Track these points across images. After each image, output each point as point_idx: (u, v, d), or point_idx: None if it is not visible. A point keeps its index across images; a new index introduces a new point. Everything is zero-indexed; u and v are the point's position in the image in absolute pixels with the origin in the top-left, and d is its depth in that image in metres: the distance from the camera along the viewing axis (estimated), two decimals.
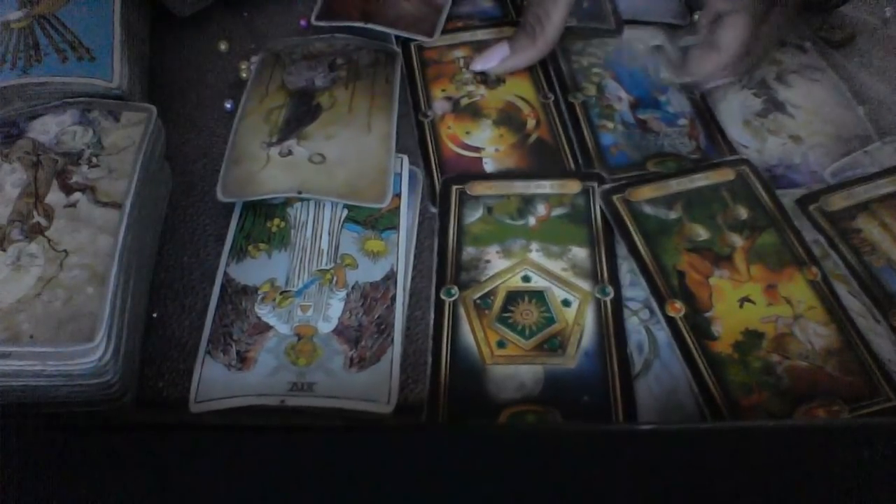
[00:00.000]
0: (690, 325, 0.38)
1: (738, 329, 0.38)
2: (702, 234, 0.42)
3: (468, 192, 0.45)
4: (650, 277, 0.40)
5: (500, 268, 0.41)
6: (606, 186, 0.44)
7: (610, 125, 0.48)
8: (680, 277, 0.40)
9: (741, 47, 0.46)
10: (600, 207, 0.43)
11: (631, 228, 0.42)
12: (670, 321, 0.38)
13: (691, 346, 0.37)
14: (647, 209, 0.43)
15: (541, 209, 0.44)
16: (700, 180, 0.44)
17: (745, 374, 0.36)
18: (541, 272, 0.41)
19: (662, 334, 0.38)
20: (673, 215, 0.42)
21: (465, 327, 0.39)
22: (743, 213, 0.42)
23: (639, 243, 0.41)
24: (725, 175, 0.44)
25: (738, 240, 0.41)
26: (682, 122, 0.49)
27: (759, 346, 0.37)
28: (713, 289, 0.39)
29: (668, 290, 0.39)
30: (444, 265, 0.41)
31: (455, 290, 0.40)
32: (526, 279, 0.41)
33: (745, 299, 0.39)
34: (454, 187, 0.45)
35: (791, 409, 0.35)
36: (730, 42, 0.46)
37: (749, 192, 0.43)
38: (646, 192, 0.44)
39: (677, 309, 0.38)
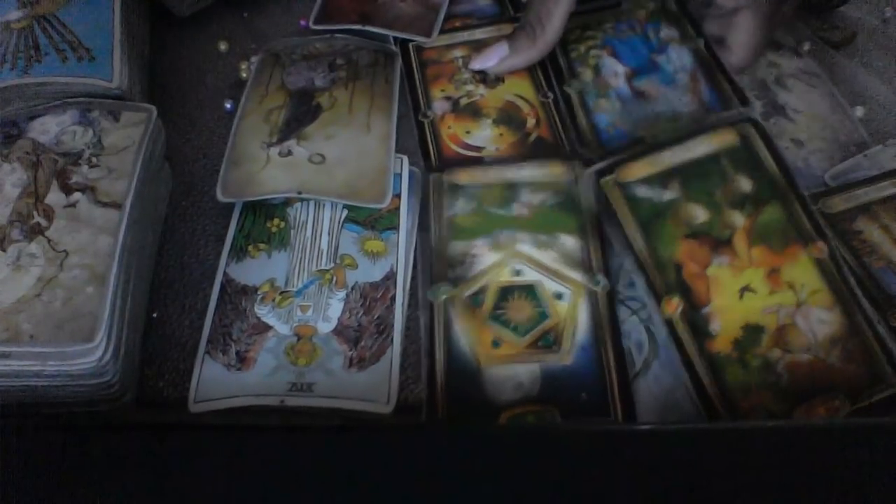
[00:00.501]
0: (688, 323, 0.37)
1: (738, 324, 0.37)
2: (700, 215, 0.40)
3: (452, 180, 0.44)
4: (646, 273, 0.39)
5: (489, 262, 0.40)
6: (595, 168, 0.42)
7: (605, 104, 0.48)
8: (677, 270, 0.39)
9: (752, 49, 0.47)
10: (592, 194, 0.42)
11: (624, 219, 0.40)
12: (667, 320, 0.38)
13: (689, 347, 0.37)
14: (641, 191, 0.41)
15: (527, 196, 0.43)
16: (699, 147, 0.42)
17: (745, 374, 0.36)
18: (531, 264, 0.40)
19: (662, 333, 0.38)
20: (668, 195, 0.41)
21: (458, 327, 0.39)
22: (745, 184, 0.40)
23: (633, 236, 0.40)
24: (727, 139, 0.42)
25: (739, 219, 0.40)
26: (682, 77, 0.48)
27: (759, 341, 0.37)
28: (711, 280, 0.38)
29: (665, 285, 0.38)
30: (431, 262, 0.41)
31: (444, 287, 0.40)
32: (517, 272, 0.40)
33: (746, 288, 0.38)
34: (439, 176, 0.44)
35: (791, 407, 0.35)
36: (741, 43, 0.47)
37: (753, 159, 0.41)
38: (638, 169, 0.41)
39: (674, 306, 0.38)
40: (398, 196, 0.44)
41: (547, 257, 0.40)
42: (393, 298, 0.40)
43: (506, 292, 0.39)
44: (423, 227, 0.43)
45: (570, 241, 0.41)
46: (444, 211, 0.43)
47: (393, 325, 0.39)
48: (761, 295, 0.38)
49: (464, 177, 0.44)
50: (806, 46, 0.54)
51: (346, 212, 0.44)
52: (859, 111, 0.49)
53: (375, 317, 0.39)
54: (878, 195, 0.43)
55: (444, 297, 0.39)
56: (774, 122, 0.48)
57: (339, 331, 0.39)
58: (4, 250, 0.38)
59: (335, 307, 0.40)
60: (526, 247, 0.41)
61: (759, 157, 0.42)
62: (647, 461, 0.31)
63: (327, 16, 0.55)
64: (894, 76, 0.53)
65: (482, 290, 0.40)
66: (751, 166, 0.41)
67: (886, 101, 0.51)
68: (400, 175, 0.45)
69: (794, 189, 0.41)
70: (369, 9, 0.55)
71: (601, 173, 0.42)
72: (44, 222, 0.39)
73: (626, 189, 0.41)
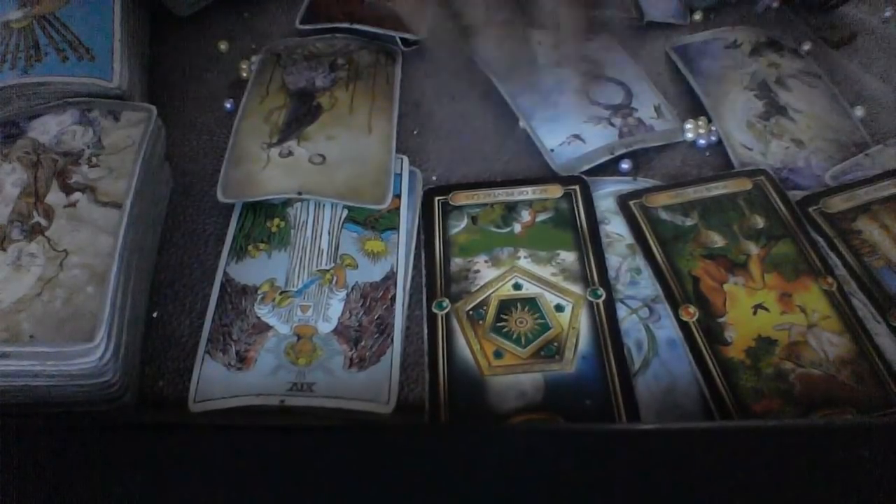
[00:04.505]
0: (703, 329, 0.38)
1: (751, 335, 0.38)
2: (717, 241, 0.42)
3: (451, 202, 0.45)
4: (664, 281, 0.40)
5: (490, 277, 0.41)
6: (623, 192, 0.44)
7: None
8: (694, 282, 0.40)
9: None
10: (584, 211, 0.43)
11: (646, 232, 0.42)
12: (683, 325, 0.38)
13: (703, 350, 0.37)
14: (664, 215, 0.43)
15: (525, 216, 0.44)
16: (717, 189, 0.45)
17: (757, 380, 0.36)
18: (531, 279, 0.41)
19: (661, 333, 0.38)
20: (689, 222, 0.43)
21: (460, 340, 0.39)
22: (759, 222, 0.42)
23: (654, 247, 0.41)
24: (742, 185, 0.44)
25: (753, 248, 0.41)
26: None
27: (772, 352, 0.37)
28: (727, 295, 0.39)
29: (683, 294, 0.39)
30: (433, 278, 0.41)
31: (446, 302, 0.40)
32: (517, 287, 0.41)
33: (759, 306, 0.39)
34: (436, 198, 0.45)
35: (802, 416, 0.35)
36: None
37: (766, 202, 0.44)
38: (662, 198, 0.44)
39: (690, 313, 0.39)
40: (398, 196, 0.44)
41: (546, 272, 0.41)
42: (393, 298, 0.40)
43: (507, 305, 0.40)
44: (424, 245, 0.43)
45: (568, 257, 0.42)
46: (444, 230, 0.43)
47: (393, 325, 0.39)
48: (774, 314, 0.39)
49: (461, 198, 0.45)
50: (806, 46, 0.54)
51: (346, 212, 0.44)
52: (859, 111, 0.49)
53: (376, 317, 0.39)
54: (879, 195, 0.43)
55: (446, 311, 0.40)
56: (775, 122, 0.48)
57: (339, 331, 0.39)
58: (4, 250, 0.38)
59: (335, 307, 0.40)
60: (525, 262, 0.41)
61: (771, 201, 0.44)
62: (647, 461, 0.31)
63: (314, 16, 0.54)
64: (894, 76, 0.53)
65: (484, 304, 0.40)
66: (764, 207, 0.43)
67: (886, 101, 0.51)
68: (400, 175, 0.45)
69: (804, 231, 0.42)
70: (356, 7, 0.54)
71: (628, 197, 0.44)
72: (44, 222, 0.39)
73: (650, 212, 0.43)
